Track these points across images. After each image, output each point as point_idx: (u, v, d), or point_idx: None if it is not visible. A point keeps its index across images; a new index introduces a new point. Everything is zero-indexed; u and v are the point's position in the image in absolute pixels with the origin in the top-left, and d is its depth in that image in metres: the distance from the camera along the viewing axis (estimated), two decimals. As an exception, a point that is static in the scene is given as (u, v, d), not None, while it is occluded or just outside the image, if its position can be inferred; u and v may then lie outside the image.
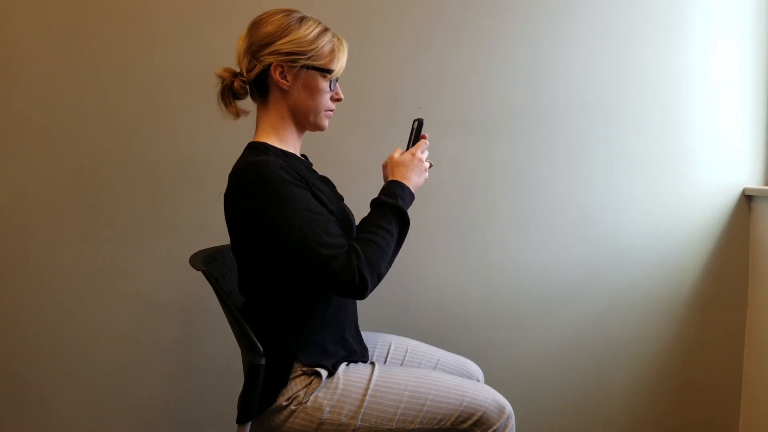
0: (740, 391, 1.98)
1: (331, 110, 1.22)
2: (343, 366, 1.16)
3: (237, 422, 1.12)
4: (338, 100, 1.22)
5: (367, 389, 1.12)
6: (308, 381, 1.12)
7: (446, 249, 1.89)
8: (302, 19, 1.15)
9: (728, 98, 1.92)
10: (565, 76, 1.88)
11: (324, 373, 1.12)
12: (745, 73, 1.92)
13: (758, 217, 1.91)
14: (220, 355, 1.83)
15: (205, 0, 1.78)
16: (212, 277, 1.18)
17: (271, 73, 1.14)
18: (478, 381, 1.41)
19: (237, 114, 1.20)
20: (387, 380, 1.15)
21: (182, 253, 1.74)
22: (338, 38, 1.19)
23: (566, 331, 1.93)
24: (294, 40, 1.13)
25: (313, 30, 1.15)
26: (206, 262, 1.26)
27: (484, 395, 1.17)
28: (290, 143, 1.20)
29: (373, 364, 1.19)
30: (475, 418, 1.15)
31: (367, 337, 1.37)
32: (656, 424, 1.97)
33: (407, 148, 1.24)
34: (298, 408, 1.11)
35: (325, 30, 1.17)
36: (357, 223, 1.26)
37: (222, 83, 1.19)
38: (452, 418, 1.15)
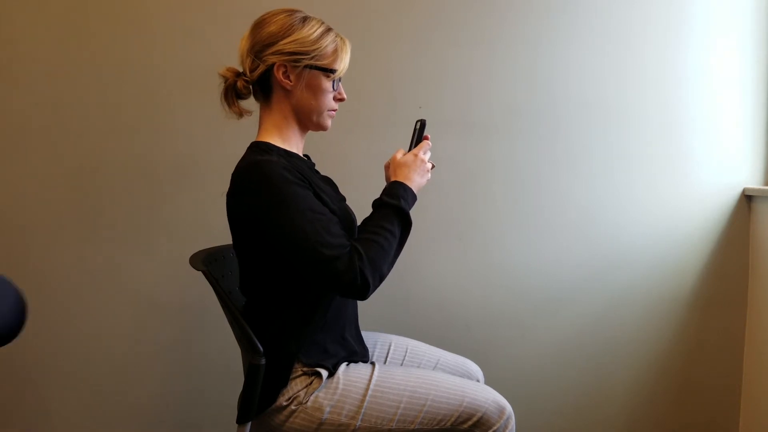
0: (740, 391, 1.98)
1: (334, 110, 1.22)
2: (343, 366, 1.16)
3: (237, 422, 1.12)
4: (341, 99, 1.22)
5: (367, 389, 1.12)
6: (309, 381, 1.12)
7: (446, 249, 1.89)
8: (305, 19, 1.15)
9: (728, 98, 1.92)
10: (565, 76, 1.88)
11: (324, 373, 1.12)
12: (745, 73, 1.92)
13: (758, 217, 1.91)
14: (220, 355, 1.83)
15: (205, 0, 1.78)
16: (212, 277, 1.18)
17: (274, 72, 1.14)
18: (478, 381, 1.41)
19: (240, 114, 1.20)
20: (387, 380, 1.15)
21: (182, 253, 1.73)
22: (341, 38, 1.19)
23: (566, 331, 1.93)
24: (297, 39, 1.13)
25: (316, 30, 1.15)
26: (206, 262, 1.26)
27: (485, 396, 1.17)
28: (293, 143, 1.20)
29: (373, 364, 1.19)
30: (475, 418, 1.15)
31: (367, 336, 1.37)
32: (656, 424, 1.97)
33: (409, 149, 1.24)
34: (298, 408, 1.11)
35: (328, 30, 1.17)
36: (358, 223, 1.26)
37: (225, 83, 1.19)
38: (452, 419, 1.15)
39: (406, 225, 1.12)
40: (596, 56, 1.88)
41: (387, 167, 1.24)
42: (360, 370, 1.17)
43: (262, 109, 1.21)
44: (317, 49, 1.14)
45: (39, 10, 1.75)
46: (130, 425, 1.84)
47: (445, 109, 1.86)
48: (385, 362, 1.36)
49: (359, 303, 1.29)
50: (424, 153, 1.22)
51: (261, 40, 1.14)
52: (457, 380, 1.19)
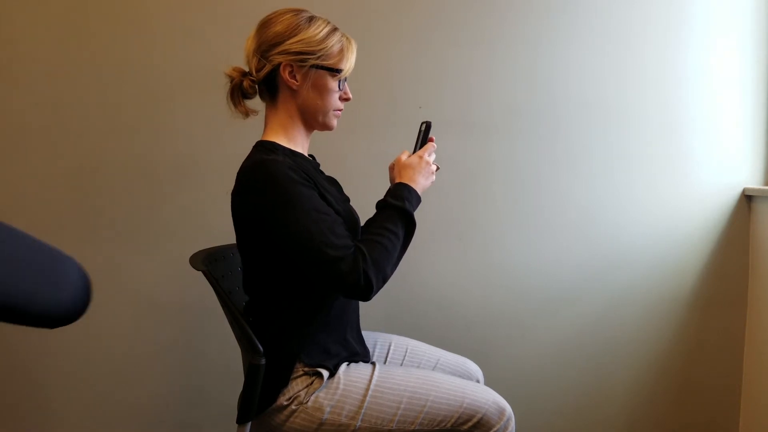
0: (740, 391, 1.98)
1: (340, 110, 1.22)
2: (343, 366, 1.16)
3: (237, 422, 1.12)
4: (347, 99, 1.22)
5: (367, 390, 1.12)
6: (309, 381, 1.12)
7: (446, 249, 1.89)
8: (311, 19, 1.15)
9: (728, 98, 1.92)
10: (565, 76, 1.88)
11: (325, 373, 1.12)
12: (745, 73, 1.92)
13: (758, 217, 1.91)
14: (220, 355, 1.83)
15: (205, 0, 1.78)
16: (212, 277, 1.18)
17: (280, 72, 1.14)
18: (478, 381, 1.41)
19: (246, 113, 1.20)
20: (387, 381, 1.15)
21: (182, 253, 1.73)
22: (347, 38, 1.19)
23: (566, 331, 1.93)
24: (303, 39, 1.13)
25: (322, 29, 1.15)
26: (206, 262, 1.26)
27: (485, 397, 1.17)
28: (298, 143, 1.20)
29: (373, 364, 1.19)
30: (475, 419, 1.15)
31: (367, 336, 1.37)
32: (656, 424, 1.97)
33: (414, 151, 1.24)
34: (298, 408, 1.11)
35: (334, 30, 1.17)
36: (362, 224, 1.26)
37: (231, 83, 1.19)
38: (452, 420, 1.15)
39: (410, 227, 1.12)
40: (596, 56, 1.88)
41: (391, 168, 1.24)
42: (360, 370, 1.17)
43: (267, 108, 1.21)
44: (323, 48, 1.14)
45: (39, 10, 1.75)
46: (130, 425, 1.84)
47: (445, 109, 1.86)
48: (385, 362, 1.36)
49: (360, 303, 1.29)
50: (429, 155, 1.21)
51: (267, 40, 1.14)
52: (458, 381, 1.19)
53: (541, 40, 1.87)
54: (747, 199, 1.94)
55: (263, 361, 1.08)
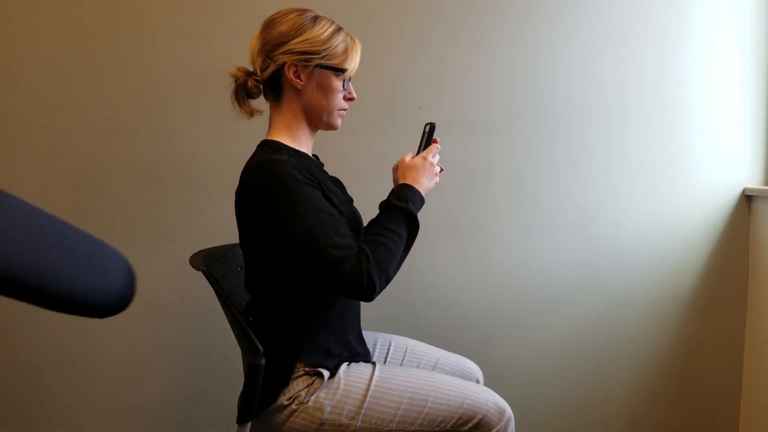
0: (740, 391, 1.98)
1: (344, 109, 1.22)
2: (344, 366, 1.16)
3: (237, 422, 1.12)
4: (351, 99, 1.23)
5: (367, 390, 1.12)
6: (310, 381, 1.12)
7: (446, 249, 1.89)
8: (316, 19, 1.16)
9: (728, 98, 1.92)
10: (565, 76, 1.88)
11: (326, 373, 1.12)
12: (745, 73, 1.92)
13: (758, 217, 1.91)
14: (221, 354, 1.83)
15: (205, 0, 1.78)
16: (212, 277, 1.18)
17: (285, 72, 1.14)
18: (478, 381, 1.41)
19: (251, 113, 1.20)
20: (388, 381, 1.15)
21: (182, 253, 1.73)
22: (351, 37, 1.19)
23: (566, 331, 1.93)
24: (308, 39, 1.13)
25: (326, 29, 1.15)
26: (206, 262, 1.26)
27: (485, 398, 1.17)
28: (303, 142, 1.21)
29: (374, 364, 1.19)
30: (475, 420, 1.15)
31: (367, 336, 1.37)
32: (656, 424, 1.97)
33: (418, 152, 1.24)
34: (299, 408, 1.11)
35: (339, 29, 1.17)
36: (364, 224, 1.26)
37: (236, 82, 1.19)
38: (452, 421, 1.15)
39: (413, 228, 1.12)
40: (596, 56, 1.88)
41: (395, 169, 1.25)
42: (361, 370, 1.17)
43: (272, 108, 1.21)
44: (328, 48, 1.14)
45: (39, 10, 1.75)
46: (130, 425, 1.84)
47: (445, 109, 1.86)
48: (384, 362, 1.36)
49: (361, 303, 1.29)
50: (433, 156, 1.22)
51: (272, 40, 1.14)
52: (458, 382, 1.19)
53: (541, 40, 1.87)
54: (747, 199, 1.93)
55: (263, 361, 1.08)
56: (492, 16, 1.85)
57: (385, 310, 1.85)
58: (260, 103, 1.22)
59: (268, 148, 1.15)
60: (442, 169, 1.25)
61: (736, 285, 1.95)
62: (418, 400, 1.13)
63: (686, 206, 1.93)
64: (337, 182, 1.30)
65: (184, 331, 1.83)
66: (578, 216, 1.91)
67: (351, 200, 1.29)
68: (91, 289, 0.70)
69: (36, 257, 0.63)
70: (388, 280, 1.07)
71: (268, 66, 1.14)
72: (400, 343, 1.40)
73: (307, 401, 1.10)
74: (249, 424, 1.12)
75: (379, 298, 1.80)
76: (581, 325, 1.93)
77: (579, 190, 1.90)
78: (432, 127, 1.26)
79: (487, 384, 1.45)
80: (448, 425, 1.15)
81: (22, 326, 1.80)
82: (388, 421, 1.12)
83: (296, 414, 1.11)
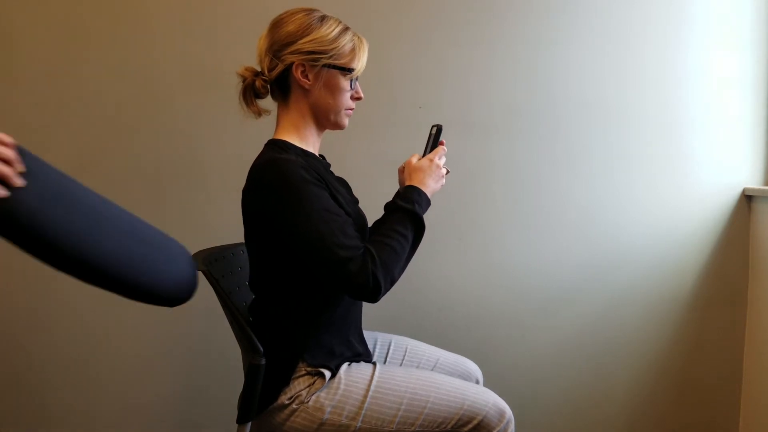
0: (740, 391, 1.98)
1: (351, 109, 1.22)
2: (344, 366, 1.16)
3: (237, 422, 1.12)
4: (358, 98, 1.23)
5: (368, 390, 1.12)
6: (311, 381, 1.12)
7: (446, 249, 1.88)
8: (323, 18, 1.16)
9: (728, 98, 1.92)
10: (565, 76, 1.88)
11: (327, 374, 1.12)
12: (745, 73, 1.92)
13: (758, 217, 1.91)
14: (221, 354, 1.83)
15: (205, 0, 1.78)
16: (212, 277, 1.18)
17: (292, 72, 1.14)
18: (478, 381, 1.41)
19: (259, 113, 1.20)
20: (388, 381, 1.14)
21: (182, 253, 1.73)
22: (358, 37, 1.19)
23: (566, 331, 1.93)
24: (316, 39, 1.13)
25: (334, 29, 1.15)
26: (206, 262, 1.26)
27: (485, 399, 1.17)
28: (310, 142, 1.21)
29: (374, 363, 1.19)
30: (475, 421, 1.15)
31: (367, 336, 1.37)
32: (656, 424, 1.97)
33: (424, 154, 1.24)
34: (299, 407, 1.11)
35: (346, 29, 1.18)
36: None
37: (243, 82, 1.19)
38: (452, 422, 1.15)
39: (419, 230, 1.12)
40: (596, 56, 1.88)
41: (401, 171, 1.25)
42: (361, 370, 1.17)
43: (279, 108, 1.21)
44: (335, 48, 1.14)
45: (39, 10, 1.75)
46: (130, 425, 1.84)
47: (445, 109, 1.86)
48: (384, 362, 1.36)
49: (363, 303, 1.29)
50: (440, 158, 1.22)
51: (279, 40, 1.14)
52: (458, 383, 1.19)
53: (541, 40, 1.87)
54: (747, 199, 1.93)
55: (263, 361, 1.08)
56: (492, 16, 1.85)
57: (385, 310, 1.85)
58: (266, 102, 1.22)
59: (276, 147, 1.15)
60: (448, 171, 1.25)
61: (736, 285, 1.95)
62: (418, 400, 1.13)
63: (686, 206, 1.93)
64: (343, 183, 1.30)
65: (184, 331, 1.83)
66: (578, 216, 1.91)
67: (357, 201, 1.29)
68: (167, 278, 0.77)
69: (121, 248, 0.71)
70: (393, 282, 1.07)
71: (276, 66, 1.15)
72: (400, 342, 1.40)
73: (308, 401, 1.10)
74: (249, 424, 1.12)
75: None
76: (581, 325, 1.93)
77: (579, 190, 1.90)
78: (439, 129, 1.26)
79: (486, 384, 1.45)
80: (448, 426, 1.15)
81: (23, 327, 1.80)
82: (388, 422, 1.12)
83: (297, 413, 1.11)
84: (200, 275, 1.22)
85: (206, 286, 1.25)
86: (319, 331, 1.15)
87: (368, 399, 1.12)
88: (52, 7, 1.75)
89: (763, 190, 1.86)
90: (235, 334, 1.26)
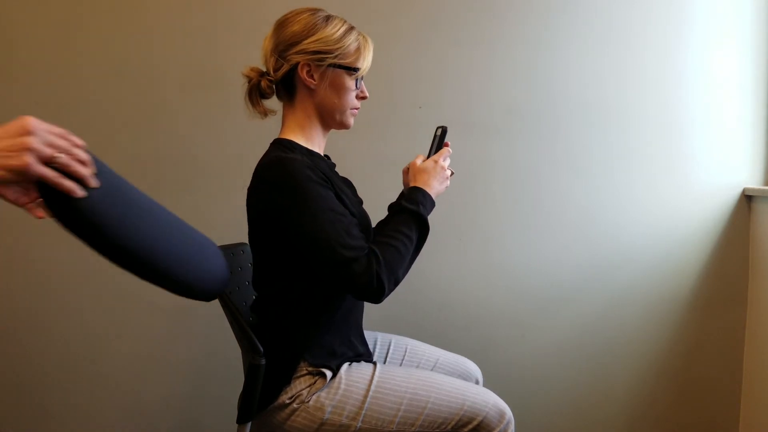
0: (740, 391, 1.98)
1: (357, 108, 1.22)
2: (345, 366, 1.16)
3: (237, 422, 1.12)
4: (364, 98, 1.23)
5: (368, 390, 1.12)
6: (312, 381, 1.12)
7: (446, 249, 1.88)
8: (328, 18, 1.16)
9: (728, 98, 1.92)
10: (565, 76, 1.88)
11: (328, 374, 1.12)
12: (745, 73, 1.92)
13: (758, 217, 1.91)
14: (221, 354, 1.83)
15: (205, 0, 1.78)
16: (212, 277, 1.18)
17: (298, 72, 1.14)
18: (477, 381, 1.41)
19: (265, 113, 1.20)
20: (388, 382, 1.15)
21: (182, 253, 1.73)
22: (363, 37, 1.19)
23: (566, 331, 1.93)
24: (321, 39, 1.13)
25: (339, 28, 1.15)
26: (206, 262, 1.26)
27: (485, 399, 1.17)
28: (316, 142, 1.21)
29: (374, 363, 1.19)
30: (475, 422, 1.15)
31: (367, 336, 1.37)
32: (656, 424, 1.97)
33: (428, 155, 1.24)
34: (300, 407, 1.11)
35: (351, 29, 1.18)
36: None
37: (249, 83, 1.19)
38: (452, 422, 1.15)
39: (423, 231, 1.13)
40: (596, 56, 1.88)
41: (405, 172, 1.25)
42: (362, 369, 1.17)
43: (285, 108, 1.21)
44: (341, 47, 1.14)
45: (39, 10, 1.75)
46: (130, 425, 1.84)
47: (445, 109, 1.86)
48: (384, 362, 1.36)
49: (365, 304, 1.29)
50: (444, 160, 1.22)
51: (285, 40, 1.14)
52: (458, 383, 1.19)
53: (541, 40, 1.87)
54: (747, 199, 1.94)
55: (263, 361, 1.08)
56: (492, 16, 1.85)
57: (386, 310, 1.85)
58: (271, 102, 1.22)
59: (282, 146, 1.15)
60: (452, 173, 1.25)
61: (736, 285, 1.95)
62: (418, 401, 1.13)
63: (686, 206, 1.93)
64: (348, 183, 1.30)
65: (184, 331, 1.83)
66: (578, 216, 1.91)
67: (361, 201, 1.29)
68: (208, 276, 0.83)
69: (172, 247, 0.77)
70: (396, 283, 1.07)
71: (282, 66, 1.15)
72: (400, 342, 1.40)
73: (309, 400, 1.10)
74: (249, 424, 1.12)
75: (379, 298, 1.81)
76: (581, 325, 1.93)
77: (579, 190, 1.90)
78: (444, 130, 1.26)
79: (486, 384, 1.45)
80: (448, 427, 1.15)
81: (21, 327, 1.80)
82: (388, 422, 1.12)
83: (297, 413, 1.11)
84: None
85: (206, 286, 1.25)
86: (320, 331, 1.15)
87: (368, 399, 1.12)
88: (52, 7, 1.75)
89: (763, 190, 1.86)
90: (235, 334, 1.26)
